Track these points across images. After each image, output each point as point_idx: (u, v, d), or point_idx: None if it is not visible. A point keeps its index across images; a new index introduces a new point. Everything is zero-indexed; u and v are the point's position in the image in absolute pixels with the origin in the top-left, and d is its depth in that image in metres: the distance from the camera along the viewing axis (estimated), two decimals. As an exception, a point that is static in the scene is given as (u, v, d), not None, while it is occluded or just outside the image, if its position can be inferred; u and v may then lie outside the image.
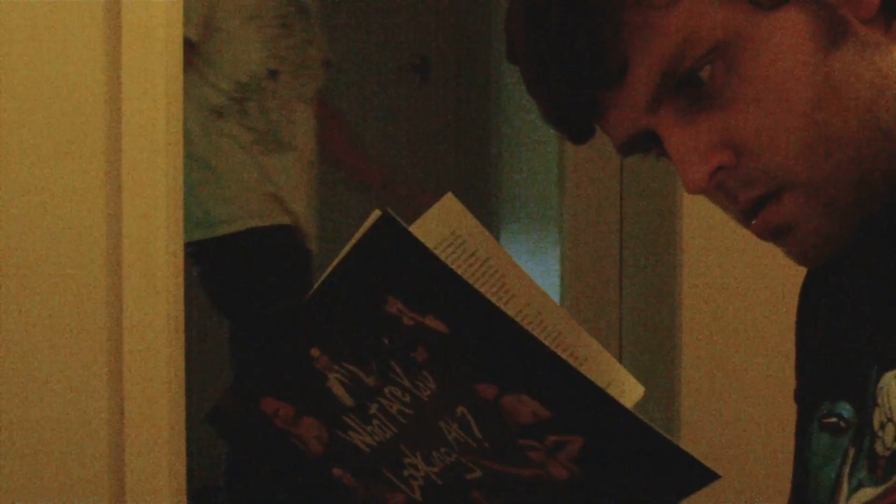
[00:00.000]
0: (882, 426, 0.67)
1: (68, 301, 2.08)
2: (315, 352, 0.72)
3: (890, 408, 0.67)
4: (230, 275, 2.83)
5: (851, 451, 0.71)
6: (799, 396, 0.83)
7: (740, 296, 2.26)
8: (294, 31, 2.80)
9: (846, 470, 0.71)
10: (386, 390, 0.71)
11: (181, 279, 2.17)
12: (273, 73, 2.72)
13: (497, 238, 3.64)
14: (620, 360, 2.84)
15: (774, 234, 0.74)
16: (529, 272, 3.27)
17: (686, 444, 2.53)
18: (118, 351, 2.09)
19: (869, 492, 0.67)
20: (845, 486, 0.70)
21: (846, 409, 0.73)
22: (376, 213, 0.70)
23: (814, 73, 0.67)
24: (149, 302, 2.09)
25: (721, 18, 0.67)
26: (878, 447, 0.68)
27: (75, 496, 2.10)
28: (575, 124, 0.76)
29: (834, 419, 0.74)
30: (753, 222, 0.74)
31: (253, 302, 2.84)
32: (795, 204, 0.71)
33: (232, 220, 2.74)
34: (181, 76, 2.15)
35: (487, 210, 3.77)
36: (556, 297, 2.93)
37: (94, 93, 2.07)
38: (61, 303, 2.08)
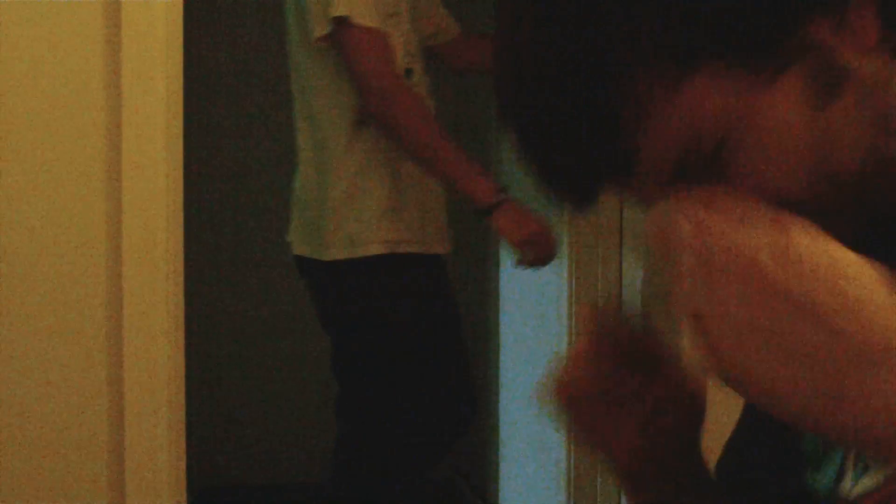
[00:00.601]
0: None
1: (68, 301, 2.08)
2: None
3: None
4: (358, 298, 2.62)
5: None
6: None
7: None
8: (416, 25, 2.64)
9: (851, 457, 0.71)
10: None
11: (181, 279, 2.17)
12: (409, 73, 2.56)
13: (497, 238, 3.64)
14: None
15: None
16: (531, 272, 3.26)
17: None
18: (118, 351, 2.09)
19: (877, 476, 0.67)
20: (849, 475, 0.70)
21: None
22: None
23: (812, 134, 0.67)
24: (149, 302, 2.09)
25: (725, 100, 0.66)
26: None
27: (75, 496, 2.10)
28: (577, 204, 0.75)
29: None
30: None
31: (384, 329, 2.64)
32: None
33: (368, 243, 2.55)
34: (181, 76, 2.15)
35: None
36: (560, 298, 2.93)
37: (94, 93, 2.07)
38: (61, 303, 2.08)
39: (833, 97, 0.67)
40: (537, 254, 2.58)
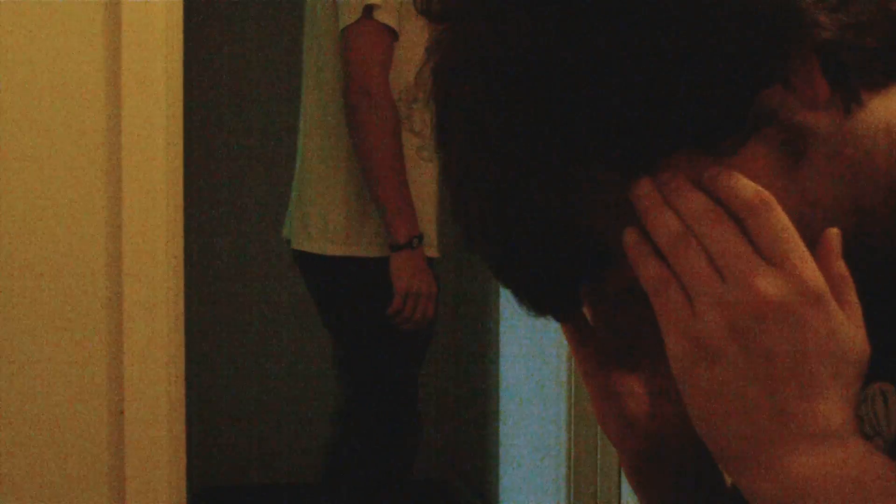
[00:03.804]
0: (868, 438, 0.67)
1: (68, 301, 2.08)
2: None
3: (878, 420, 0.67)
4: (366, 296, 2.60)
5: None
6: None
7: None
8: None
9: None
10: None
11: (181, 279, 2.17)
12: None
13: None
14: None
15: None
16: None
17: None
18: (118, 351, 2.09)
19: None
20: None
21: None
22: None
23: (791, 198, 0.67)
24: (149, 302, 2.09)
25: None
26: None
27: (75, 496, 2.10)
28: (561, 315, 0.75)
29: None
30: None
31: (382, 330, 2.62)
32: None
33: (374, 243, 2.54)
34: (181, 76, 2.15)
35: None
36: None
37: (94, 93, 2.07)
38: (61, 303, 2.08)
39: (801, 157, 0.67)
40: (412, 310, 2.55)
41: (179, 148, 2.15)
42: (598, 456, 2.84)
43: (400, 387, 2.72)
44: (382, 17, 2.44)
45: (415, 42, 2.50)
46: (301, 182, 2.60)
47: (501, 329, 3.60)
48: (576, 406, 2.85)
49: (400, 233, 2.50)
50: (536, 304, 0.73)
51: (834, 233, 0.66)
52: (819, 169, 0.67)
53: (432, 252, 2.61)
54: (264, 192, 4.20)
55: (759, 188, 0.64)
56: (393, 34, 2.46)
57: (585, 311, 0.77)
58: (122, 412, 2.09)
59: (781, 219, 0.64)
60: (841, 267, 0.65)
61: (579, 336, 0.77)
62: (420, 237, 2.53)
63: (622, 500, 2.83)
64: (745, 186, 0.64)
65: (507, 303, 3.53)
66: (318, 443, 4.33)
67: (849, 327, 0.63)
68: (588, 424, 2.83)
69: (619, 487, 2.83)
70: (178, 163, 2.14)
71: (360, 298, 2.61)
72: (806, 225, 0.66)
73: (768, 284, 0.62)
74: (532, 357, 3.24)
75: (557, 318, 0.75)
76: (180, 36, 2.14)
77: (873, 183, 0.68)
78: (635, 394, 0.77)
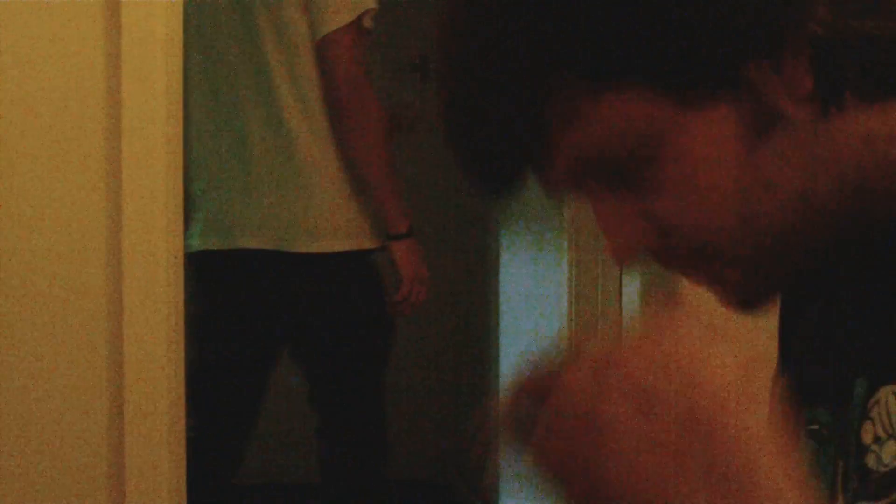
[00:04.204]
0: (878, 440, 0.67)
1: (68, 301, 2.08)
2: None
3: (891, 423, 0.67)
4: (365, 288, 2.67)
5: (841, 464, 0.72)
6: (780, 400, 0.83)
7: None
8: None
9: (839, 483, 0.71)
10: None
11: (181, 280, 2.17)
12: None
13: (498, 238, 3.64)
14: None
15: (704, 284, 0.75)
16: (531, 272, 3.27)
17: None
18: (118, 351, 2.09)
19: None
20: (841, 501, 0.70)
21: (823, 415, 0.73)
22: None
23: (742, 170, 0.67)
24: (149, 303, 2.09)
25: (646, 113, 0.67)
26: (871, 461, 0.67)
27: (75, 496, 2.10)
28: (493, 188, 0.76)
29: (816, 426, 0.75)
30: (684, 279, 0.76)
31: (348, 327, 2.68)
32: (721, 269, 0.73)
33: (356, 236, 2.61)
34: (181, 76, 2.15)
35: (488, 209, 3.77)
36: (559, 298, 2.93)
37: (94, 93, 2.07)
38: (61, 303, 2.08)
39: (764, 138, 0.67)
40: (417, 296, 2.67)
41: (179, 148, 2.15)
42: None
43: (376, 383, 2.78)
44: (367, 21, 2.57)
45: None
46: (272, 183, 2.60)
47: (501, 328, 3.60)
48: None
49: (401, 222, 2.61)
50: (477, 168, 0.75)
51: None
52: (782, 154, 0.67)
53: (377, 243, 2.67)
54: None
55: None
56: (369, 35, 2.59)
57: None
58: (122, 412, 2.09)
59: None
60: None
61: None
62: (410, 224, 2.64)
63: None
64: None
65: (507, 302, 3.53)
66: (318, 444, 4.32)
67: None
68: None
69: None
70: (178, 163, 2.14)
71: (362, 291, 2.66)
72: (749, 204, 0.67)
73: None
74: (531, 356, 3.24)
75: (489, 189, 0.77)
76: (180, 36, 2.14)
77: (838, 185, 0.68)
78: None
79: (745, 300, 0.75)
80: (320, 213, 2.57)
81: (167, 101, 2.09)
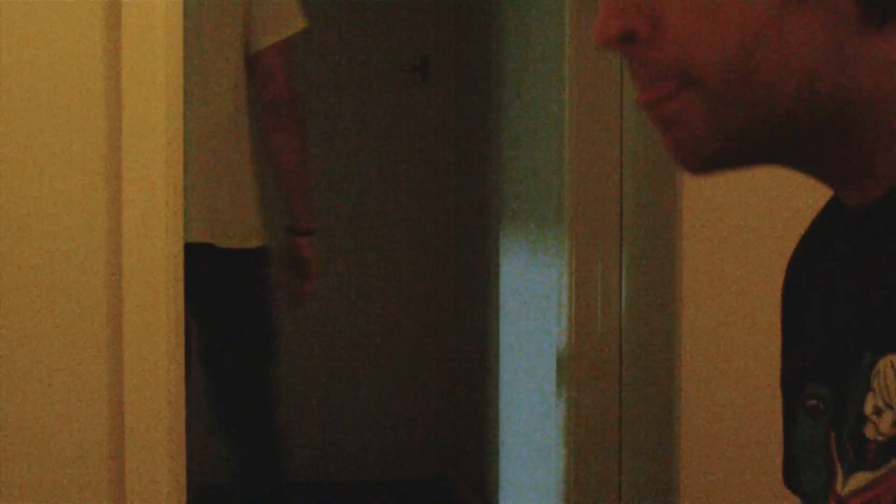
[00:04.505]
0: (877, 411, 0.67)
1: (68, 301, 2.08)
2: None
3: (889, 393, 0.67)
4: (266, 283, 2.93)
5: (833, 435, 0.72)
6: (784, 382, 0.83)
7: (740, 295, 2.27)
8: None
9: (834, 454, 0.71)
10: None
11: (181, 279, 2.17)
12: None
13: (497, 238, 3.64)
14: (621, 360, 2.83)
15: (663, 124, 0.72)
16: (531, 272, 3.28)
17: (686, 444, 2.53)
18: (118, 351, 2.09)
19: (863, 476, 0.67)
20: (840, 472, 0.70)
21: (824, 392, 0.74)
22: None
23: (765, 15, 0.66)
24: (149, 302, 2.09)
25: None
26: (869, 431, 0.67)
27: (75, 496, 2.10)
28: None
29: (815, 401, 0.75)
30: (649, 112, 0.73)
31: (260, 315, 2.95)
32: (690, 102, 0.70)
33: (261, 234, 2.87)
34: (181, 76, 2.15)
35: (488, 210, 3.77)
36: (557, 299, 2.93)
37: (94, 93, 2.07)
38: (61, 303, 2.08)
39: (801, 3, 0.66)
40: (310, 288, 2.97)
41: (179, 148, 2.15)
42: (598, 455, 2.84)
43: (270, 380, 2.98)
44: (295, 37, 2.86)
45: None
46: (211, 181, 2.78)
47: (501, 329, 3.60)
48: (575, 405, 2.85)
49: (310, 220, 2.92)
50: None
51: None
52: (807, 24, 0.67)
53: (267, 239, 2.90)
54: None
55: None
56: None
57: None
58: (122, 412, 2.09)
59: None
60: None
61: None
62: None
63: (622, 499, 2.83)
64: None
65: (508, 303, 3.53)
66: (317, 443, 4.33)
67: None
68: (587, 423, 2.83)
69: (618, 486, 2.84)
70: (178, 162, 2.14)
71: (263, 285, 2.92)
72: (758, 44, 0.67)
73: None
74: (532, 357, 3.24)
75: None
76: (180, 36, 2.14)
77: (835, 79, 0.68)
78: None
79: (697, 151, 0.71)
80: (244, 211, 2.80)
81: (167, 101, 2.09)
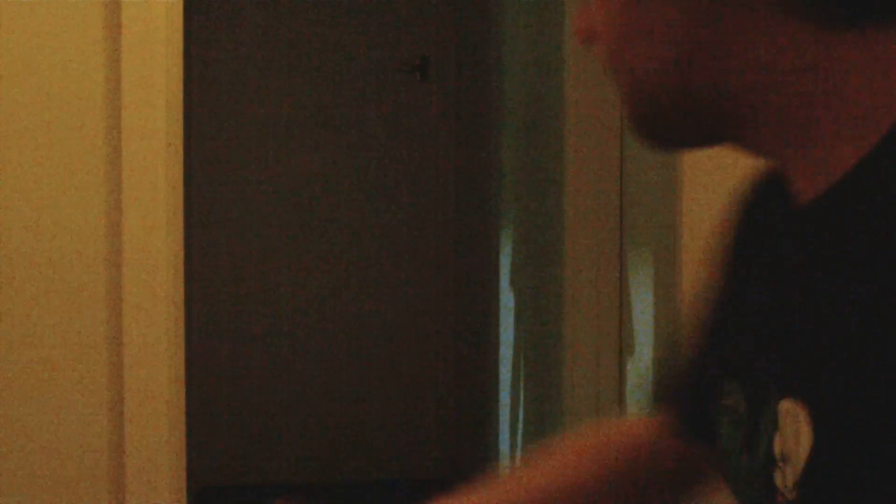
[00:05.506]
0: (783, 457, 0.64)
1: (68, 301, 2.08)
2: None
3: (788, 444, 0.64)
4: None
5: (745, 459, 0.70)
6: (701, 355, 0.83)
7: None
8: None
9: (776, 440, 0.67)
10: None
11: (181, 279, 2.17)
12: None
13: (497, 239, 3.64)
14: (621, 360, 2.83)
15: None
16: (530, 273, 3.28)
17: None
18: (118, 351, 2.09)
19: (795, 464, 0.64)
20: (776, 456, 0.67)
21: (740, 398, 0.71)
22: None
23: (684, 41, 0.67)
24: (149, 302, 2.09)
25: None
26: (778, 479, 0.65)
27: (75, 496, 2.10)
28: None
29: (731, 402, 0.72)
30: None
31: None
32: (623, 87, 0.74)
33: None
34: (181, 76, 2.15)
35: (487, 211, 3.77)
36: (556, 299, 2.93)
37: (94, 93, 2.07)
38: (61, 303, 2.08)
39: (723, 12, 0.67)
40: None
41: (179, 148, 2.15)
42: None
43: None
44: None
45: None
46: None
47: (501, 329, 3.60)
48: (573, 405, 2.85)
49: None
50: None
51: None
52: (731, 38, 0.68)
53: None
54: (264, 192, 4.21)
55: None
56: None
57: None
58: (122, 412, 2.09)
59: None
60: None
61: None
62: None
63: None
64: None
65: (507, 303, 3.53)
66: (318, 443, 4.33)
67: None
68: (587, 423, 2.83)
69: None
70: (178, 163, 2.14)
71: None
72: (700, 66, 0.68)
73: None
74: (532, 358, 3.24)
75: None
76: (180, 36, 2.14)
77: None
78: None
79: (638, 134, 0.74)
80: None
81: (167, 101, 2.09)
